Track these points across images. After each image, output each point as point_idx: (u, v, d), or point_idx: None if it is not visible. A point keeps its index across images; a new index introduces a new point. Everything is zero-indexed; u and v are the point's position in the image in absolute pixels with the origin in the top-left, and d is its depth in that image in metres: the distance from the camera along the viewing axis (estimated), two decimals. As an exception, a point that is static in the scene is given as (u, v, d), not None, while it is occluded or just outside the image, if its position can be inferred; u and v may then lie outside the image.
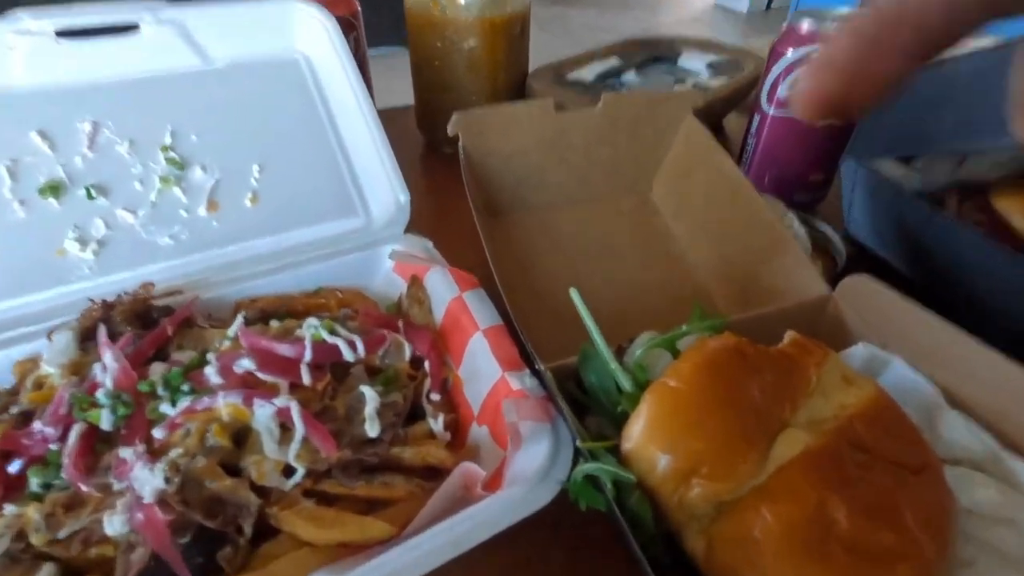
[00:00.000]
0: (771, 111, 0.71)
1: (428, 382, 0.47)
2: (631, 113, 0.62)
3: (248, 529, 0.36)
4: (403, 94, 0.96)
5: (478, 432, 0.44)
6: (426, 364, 0.48)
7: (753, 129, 0.74)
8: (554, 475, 0.36)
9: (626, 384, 0.38)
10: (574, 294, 0.39)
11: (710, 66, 0.97)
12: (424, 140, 0.93)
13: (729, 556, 0.31)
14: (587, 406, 0.40)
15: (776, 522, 0.30)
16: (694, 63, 0.99)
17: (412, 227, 0.59)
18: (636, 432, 0.33)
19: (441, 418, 0.45)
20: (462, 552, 0.32)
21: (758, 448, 0.32)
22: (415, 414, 0.46)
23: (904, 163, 0.66)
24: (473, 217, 0.53)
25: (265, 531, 0.37)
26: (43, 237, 0.51)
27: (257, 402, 0.38)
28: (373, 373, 0.46)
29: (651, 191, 0.68)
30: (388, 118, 1.05)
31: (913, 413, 0.37)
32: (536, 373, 0.42)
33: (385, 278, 0.57)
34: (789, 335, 0.39)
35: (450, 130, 0.55)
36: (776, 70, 0.68)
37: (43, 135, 0.54)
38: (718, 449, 0.32)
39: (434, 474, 0.42)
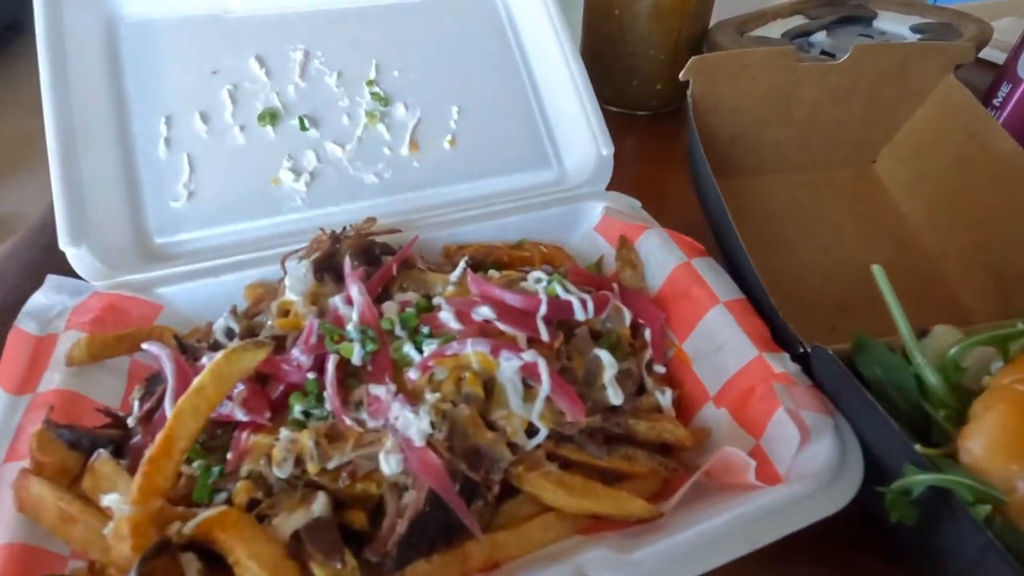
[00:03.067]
0: (1032, 80, 0.60)
1: (648, 352, 0.44)
2: (879, 68, 0.53)
3: (496, 486, 0.34)
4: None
5: (714, 414, 0.40)
6: (646, 333, 0.44)
7: (997, 100, 0.64)
8: (847, 477, 0.31)
9: (935, 383, 0.32)
10: (878, 272, 0.34)
11: (915, 30, 0.85)
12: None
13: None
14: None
15: None
16: (894, 26, 0.87)
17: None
18: (981, 444, 0.28)
19: (669, 393, 0.41)
20: (754, 550, 0.29)
21: None
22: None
23: None
24: (683, 181, 0.47)
25: (504, 489, 0.36)
26: (261, 164, 0.51)
27: (504, 354, 0.36)
28: (594, 337, 0.43)
29: (874, 162, 0.59)
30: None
31: None
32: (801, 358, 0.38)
33: (582, 235, 0.53)
34: None
35: (683, 75, 0.50)
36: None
37: (260, 61, 0.53)
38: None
39: (664, 452, 0.39)
